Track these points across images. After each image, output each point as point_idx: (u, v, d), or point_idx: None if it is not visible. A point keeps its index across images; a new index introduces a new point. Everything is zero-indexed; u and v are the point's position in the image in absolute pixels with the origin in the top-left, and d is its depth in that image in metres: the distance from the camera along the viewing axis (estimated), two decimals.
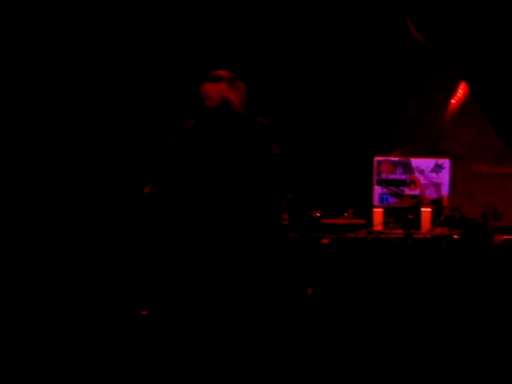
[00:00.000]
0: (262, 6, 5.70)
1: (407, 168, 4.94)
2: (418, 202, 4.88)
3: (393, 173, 4.94)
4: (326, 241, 4.57)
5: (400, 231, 4.73)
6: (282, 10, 5.70)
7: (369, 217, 4.87)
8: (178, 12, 5.70)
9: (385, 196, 4.92)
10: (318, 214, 4.72)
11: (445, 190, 4.89)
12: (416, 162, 4.95)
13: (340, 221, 4.81)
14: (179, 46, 5.70)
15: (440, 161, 4.93)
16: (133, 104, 5.65)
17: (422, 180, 4.92)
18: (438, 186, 4.90)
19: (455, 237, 4.63)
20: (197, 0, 5.72)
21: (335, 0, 5.72)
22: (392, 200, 4.92)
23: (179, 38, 5.71)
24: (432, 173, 4.91)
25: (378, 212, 4.85)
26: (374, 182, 4.94)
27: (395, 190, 4.91)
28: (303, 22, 5.72)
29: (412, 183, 4.92)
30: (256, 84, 5.54)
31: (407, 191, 4.92)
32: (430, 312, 4.44)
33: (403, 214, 4.88)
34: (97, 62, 5.62)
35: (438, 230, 4.72)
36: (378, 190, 4.93)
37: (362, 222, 4.87)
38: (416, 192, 4.91)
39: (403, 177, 4.93)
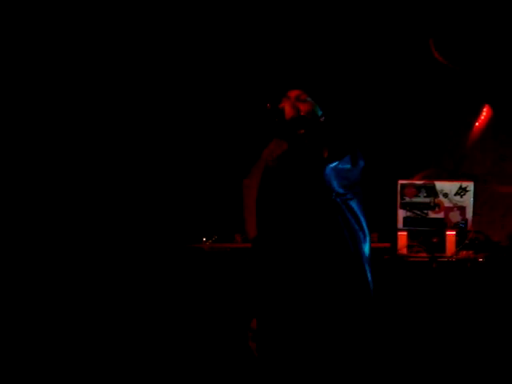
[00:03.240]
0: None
1: (431, 191, 4.93)
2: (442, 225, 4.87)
3: (417, 196, 4.93)
4: None
5: (424, 254, 4.72)
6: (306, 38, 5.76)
7: (393, 240, 4.86)
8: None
9: (409, 219, 4.92)
10: None
11: (469, 213, 4.87)
12: (440, 185, 4.93)
13: None
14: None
15: (464, 183, 4.92)
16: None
17: (446, 203, 4.90)
18: (462, 209, 4.88)
19: (480, 260, 4.61)
20: None
21: (360, 24, 5.75)
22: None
23: None
24: (456, 196, 4.90)
25: (402, 235, 4.85)
26: (398, 205, 4.94)
27: (419, 213, 4.90)
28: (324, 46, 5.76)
29: (436, 206, 4.91)
30: None
31: (431, 214, 4.91)
32: (454, 335, 4.42)
33: (428, 238, 4.88)
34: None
35: (463, 254, 4.71)
36: (401, 213, 4.92)
37: (387, 245, 4.86)
38: (440, 215, 4.90)
39: (427, 200, 4.92)
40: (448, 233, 4.81)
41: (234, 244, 5.00)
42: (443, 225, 4.86)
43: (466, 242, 4.76)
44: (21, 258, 5.24)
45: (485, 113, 5.55)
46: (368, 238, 3.45)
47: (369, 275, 3.39)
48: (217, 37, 5.77)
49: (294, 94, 3.50)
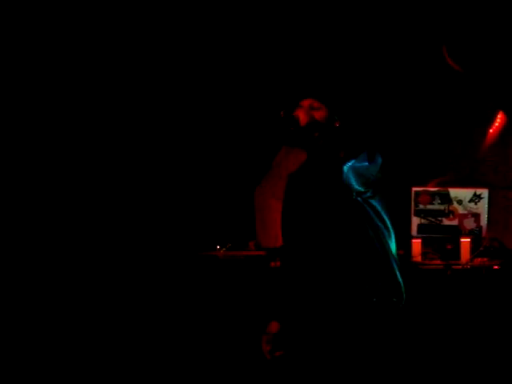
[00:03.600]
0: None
1: (445, 198, 4.92)
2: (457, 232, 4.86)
3: (431, 203, 4.92)
4: None
5: (439, 262, 4.71)
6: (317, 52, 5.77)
7: (407, 247, 4.85)
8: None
9: (423, 226, 4.91)
10: None
11: (484, 220, 4.85)
12: (454, 192, 4.93)
13: None
14: None
15: (479, 190, 4.91)
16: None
17: (461, 210, 4.89)
18: (476, 215, 4.87)
19: (495, 267, 4.59)
20: None
21: (376, 32, 5.75)
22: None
23: None
24: (470, 203, 4.89)
25: (416, 243, 4.83)
26: (412, 212, 4.93)
27: (433, 220, 4.89)
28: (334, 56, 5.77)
29: (450, 213, 4.90)
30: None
31: (445, 221, 4.90)
32: (470, 343, 4.40)
33: (442, 245, 4.86)
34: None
35: (478, 261, 4.69)
36: (415, 220, 4.91)
37: (401, 252, 4.85)
38: (454, 222, 4.89)
39: (441, 207, 4.91)
40: (462, 240, 4.79)
41: (247, 251, 5.01)
42: (458, 232, 4.85)
43: (481, 249, 4.74)
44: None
45: (499, 119, 5.54)
46: (393, 236, 3.44)
47: (398, 274, 3.39)
48: (229, 44, 5.78)
49: (307, 102, 3.53)
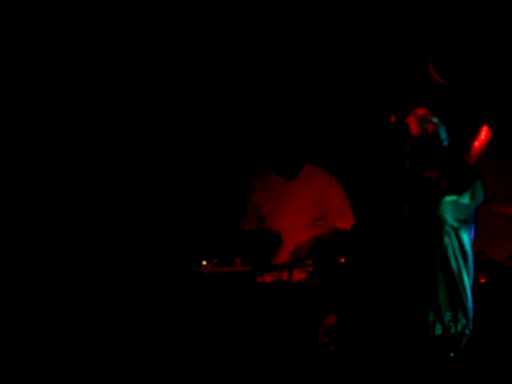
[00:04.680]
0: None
1: None
2: None
3: None
4: None
5: None
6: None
7: None
8: None
9: None
10: (342, 260, 4.71)
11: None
12: None
13: None
14: None
15: None
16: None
17: None
18: None
19: (482, 280, 4.58)
20: None
21: (357, 41, 5.77)
22: None
23: None
24: None
25: None
26: None
27: None
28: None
29: None
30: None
31: None
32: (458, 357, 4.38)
33: None
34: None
35: None
36: None
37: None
38: None
39: None
40: None
41: (234, 267, 4.99)
42: None
43: None
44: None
45: (484, 133, 5.56)
46: (471, 272, 3.35)
47: (471, 308, 3.36)
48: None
49: (420, 112, 3.43)
